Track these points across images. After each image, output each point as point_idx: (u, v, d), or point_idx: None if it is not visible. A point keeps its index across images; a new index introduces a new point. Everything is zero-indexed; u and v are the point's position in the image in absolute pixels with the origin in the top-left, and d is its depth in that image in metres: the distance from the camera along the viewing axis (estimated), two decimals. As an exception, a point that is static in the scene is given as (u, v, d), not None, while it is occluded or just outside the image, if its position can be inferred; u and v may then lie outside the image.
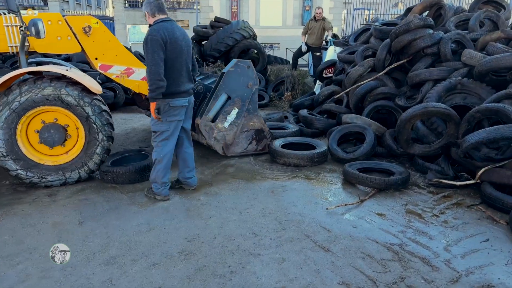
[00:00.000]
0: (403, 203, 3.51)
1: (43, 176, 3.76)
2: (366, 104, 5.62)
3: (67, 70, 3.84)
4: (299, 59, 10.00)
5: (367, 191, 3.75)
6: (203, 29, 10.54)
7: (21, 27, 3.76)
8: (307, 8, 18.08)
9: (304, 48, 9.38)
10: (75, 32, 3.99)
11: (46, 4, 20.75)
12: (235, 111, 4.49)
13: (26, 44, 3.87)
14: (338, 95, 6.32)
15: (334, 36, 9.18)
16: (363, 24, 8.63)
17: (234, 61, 4.51)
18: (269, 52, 16.68)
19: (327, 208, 3.35)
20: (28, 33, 3.64)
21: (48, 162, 3.80)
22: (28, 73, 3.89)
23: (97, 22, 4.07)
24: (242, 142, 4.70)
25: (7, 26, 3.82)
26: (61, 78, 3.76)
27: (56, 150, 3.85)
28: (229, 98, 4.46)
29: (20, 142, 3.68)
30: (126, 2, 22.99)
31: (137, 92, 4.41)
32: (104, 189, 3.78)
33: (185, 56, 3.26)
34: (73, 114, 3.74)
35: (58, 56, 7.64)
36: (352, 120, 5.17)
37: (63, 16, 4.04)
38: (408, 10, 7.08)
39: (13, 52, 3.94)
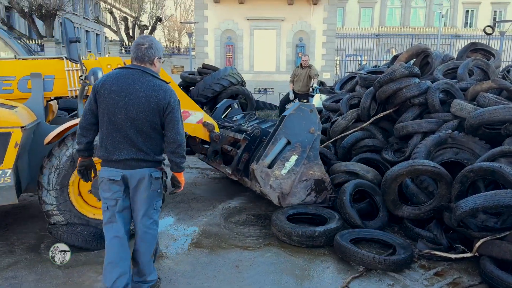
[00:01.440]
0: (389, 282, 2.96)
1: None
2: (353, 155, 5.20)
3: None
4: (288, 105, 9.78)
5: (349, 267, 3.21)
6: (190, 76, 10.44)
7: (81, 76, 3.71)
8: (299, 55, 18.22)
9: (291, 96, 9.17)
10: None
11: (42, 49, 21.02)
12: (294, 158, 4.04)
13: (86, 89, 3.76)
14: (323, 145, 5.92)
15: (321, 83, 8.99)
16: (348, 73, 8.44)
17: (296, 104, 4.17)
18: (262, 96, 16.65)
19: (296, 292, 2.80)
20: (87, 81, 3.56)
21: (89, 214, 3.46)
22: None
23: None
24: (300, 193, 4.18)
25: (68, 70, 3.81)
26: None
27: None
28: (288, 143, 4.03)
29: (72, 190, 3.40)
30: (122, 47, 23.43)
31: (192, 135, 4.37)
32: (42, 262, 3.23)
33: (128, 116, 2.39)
34: None
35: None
36: (349, 167, 4.64)
37: (123, 60, 4.01)
38: (395, 58, 6.87)
39: (72, 96, 3.89)
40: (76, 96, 3.83)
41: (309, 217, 4.08)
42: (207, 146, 4.64)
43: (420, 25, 33.41)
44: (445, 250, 3.30)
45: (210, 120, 4.51)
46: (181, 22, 36.50)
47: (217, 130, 4.54)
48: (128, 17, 26.46)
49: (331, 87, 7.96)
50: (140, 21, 28.93)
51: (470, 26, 33.85)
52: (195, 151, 4.80)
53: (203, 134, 4.47)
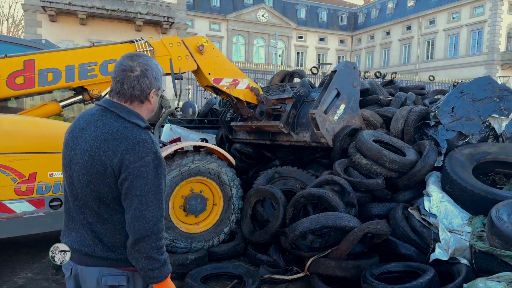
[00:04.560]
0: (234, 314, 3.03)
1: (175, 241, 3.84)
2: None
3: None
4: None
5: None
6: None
7: (176, 108, 4.45)
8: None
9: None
10: (191, 51, 4.37)
11: None
12: (343, 107, 4.64)
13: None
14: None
15: (172, 114, 8.94)
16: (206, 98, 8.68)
17: (344, 61, 4.87)
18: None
19: None
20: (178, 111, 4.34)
21: (182, 228, 3.93)
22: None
23: (207, 41, 4.51)
24: None
25: (140, 51, 3.94)
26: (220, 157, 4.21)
27: (190, 219, 4.04)
28: (338, 94, 4.61)
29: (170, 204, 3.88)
30: None
31: (243, 99, 4.83)
32: None
33: (70, 183, 1.55)
34: (221, 191, 4.11)
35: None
36: None
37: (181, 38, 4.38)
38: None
39: None
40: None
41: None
42: (252, 109, 5.02)
43: (262, 62, 37.26)
44: (283, 273, 3.59)
45: (255, 85, 4.98)
46: (8, 37, 31.43)
47: (261, 93, 5.00)
48: None
49: (181, 117, 8.01)
50: (-51, 31, 23.71)
51: (301, 66, 39.54)
52: (243, 114, 5.10)
53: (251, 98, 4.94)
